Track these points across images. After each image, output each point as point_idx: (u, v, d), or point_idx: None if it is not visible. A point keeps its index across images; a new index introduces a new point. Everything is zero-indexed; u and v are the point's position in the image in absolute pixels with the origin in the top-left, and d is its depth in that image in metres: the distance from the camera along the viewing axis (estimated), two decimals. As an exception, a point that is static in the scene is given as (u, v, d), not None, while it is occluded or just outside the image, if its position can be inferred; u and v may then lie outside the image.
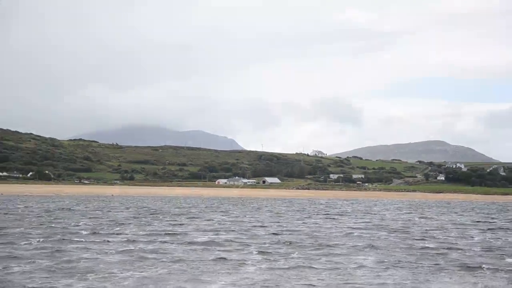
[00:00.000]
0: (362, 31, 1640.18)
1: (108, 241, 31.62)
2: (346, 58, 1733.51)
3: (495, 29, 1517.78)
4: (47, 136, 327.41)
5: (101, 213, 58.72)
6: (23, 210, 61.59)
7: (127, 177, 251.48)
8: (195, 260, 25.26)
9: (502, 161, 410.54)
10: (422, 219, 59.84)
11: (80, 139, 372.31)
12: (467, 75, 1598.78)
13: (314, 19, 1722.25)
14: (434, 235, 40.15)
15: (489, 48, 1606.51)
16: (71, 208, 66.80)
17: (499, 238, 38.71)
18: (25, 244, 29.66)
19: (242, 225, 45.55)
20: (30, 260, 24.22)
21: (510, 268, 24.67)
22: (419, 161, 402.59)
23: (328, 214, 66.69)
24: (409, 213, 75.07)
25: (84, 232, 36.27)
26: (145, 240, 32.66)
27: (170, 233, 36.75)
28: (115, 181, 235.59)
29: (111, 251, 27.47)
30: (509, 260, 27.54)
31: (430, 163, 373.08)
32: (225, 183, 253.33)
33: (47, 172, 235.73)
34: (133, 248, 28.68)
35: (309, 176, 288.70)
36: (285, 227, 44.25)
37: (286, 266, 24.04)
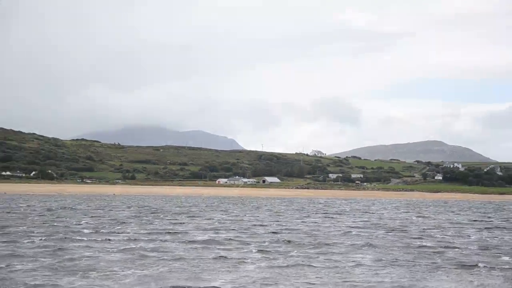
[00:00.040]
0: (362, 32, 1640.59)
1: (109, 239, 31.63)
2: (346, 59, 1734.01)
3: (493, 30, 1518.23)
4: (50, 136, 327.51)
5: (102, 212, 58.73)
6: (26, 209, 61.61)
7: (129, 177, 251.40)
8: (195, 258, 25.26)
9: (499, 161, 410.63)
10: (420, 218, 59.85)
11: (83, 139, 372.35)
12: (465, 76, 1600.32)
13: (314, 20, 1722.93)
14: (432, 234, 40.16)
15: (487, 49, 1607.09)
16: (73, 207, 66.83)
17: (495, 237, 38.73)
18: (27, 242, 29.68)
19: (242, 224, 45.57)
20: (32, 258, 24.23)
21: (506, 267, 24.69)
22: (417, 161, 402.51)
23: (327, 213, 66.70)
24: (406, 212, 75.08)
25: (86, 231, 36.30)
26: (146, 238, 32.67)
27: (171, 232, 36.75)
28: (117, 181, 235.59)
29: (112, 249, 27.48)
30: (505, 258, 27.56)
31: (428, 163, 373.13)
32: (226, 182, 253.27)
33: (49, 171, 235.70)
34: (134, 246, 28.70)
35: (308, 176, 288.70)
36: (285, 226, 44.26)
37: (285, 264, 24.05)
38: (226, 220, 49.79)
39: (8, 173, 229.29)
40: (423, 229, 44.55)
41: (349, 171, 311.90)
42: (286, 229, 41.35)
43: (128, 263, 23.53)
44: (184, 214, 57.90)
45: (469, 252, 29.47)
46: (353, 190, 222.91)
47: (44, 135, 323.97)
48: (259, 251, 28.07)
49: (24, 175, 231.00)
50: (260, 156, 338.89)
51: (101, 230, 37.04)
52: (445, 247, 31.41)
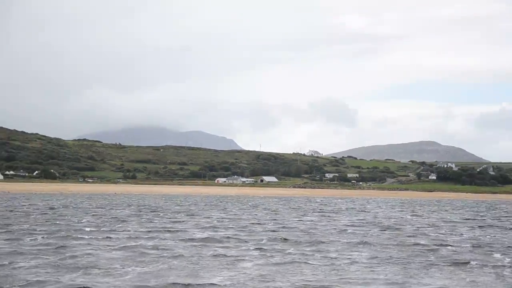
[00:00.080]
0: (358, 35, 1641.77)
1: (110, 237, 31.58)
2: (342, 61, 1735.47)
3: (485, 34, 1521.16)
4: (52, 136, 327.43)
5: (104, 210, 58.66)
6: (29, 207, 61.51)
7: (130, 176, 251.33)
8: (194, 256, 25.23)
9: (492, 161, 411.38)
10: (414, 217, 59.88)
11: (84, 139, 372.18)
12: (458, 78, 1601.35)
13: (311, 23, 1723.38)
14: (426, 232, 40.16)
15: (480, 53, 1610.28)
16: (75, 206, 66.74)
17: (488, 235, 38.77)
18: (30, 240, 29.62)
19: (240, 222, 45.52)
20: (35, 256, 24.19)
21: (498, 264, 24.72)
22: (412, 161, 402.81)
23: (323, 212, 66.69)
24: (401, 211, 75.12)
25: (87, 229, 36.22)
26: (146, 236, 32.64)
27: (170, 230, 36.72)
28: (118, 180, 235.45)
29: (113, 247, 27.44)
30: (497, 255, 27.59)
31: (422, 163, 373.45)
32: (224, 182, 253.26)
33: (52, 171, 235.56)
34: (134, 244, 28.65)
35: (305, 175, 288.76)
36: (282, 224, 44.22)
37: (282, 262, 24.03)
38: (224, 218, 49.74)
39: (11, 172, 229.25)
40: (417, 227, 44.56)
41: (345, 170, 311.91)
42: (283, 227, 41.33)
43: (128, 261, 23.50)
44: (184, 212, 57.84)
45: (462, 250, 29.48)
46: (349, 189, 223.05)
47: (47, 135, 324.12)
48: (257, 249, 28.04)
49: (27, 174, 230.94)
50: (258, 156, 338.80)
51: (102, 228, 36.99)
52: (438, 245, 31.41)
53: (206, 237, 32.60)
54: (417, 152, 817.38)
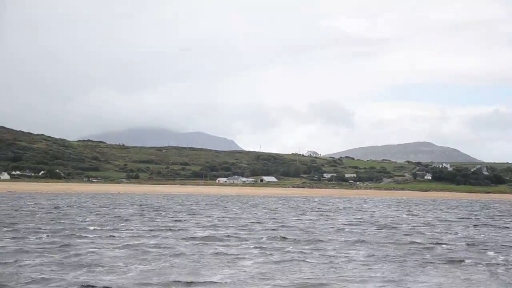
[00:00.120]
0: (355, 38, 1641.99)
1: (113, 236, 31.53)
2: (340, 64, 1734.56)
3: (479, 38, 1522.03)
4: (57, 137, 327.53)
5: (107, 209, 58.59)
6: (34, 206, 61.45)
7: (133, 176, 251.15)
8: (195, 254, 25.19)
9: (486, 162, 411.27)
10: (410, 216, 59.82)
11: (89, 140, 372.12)
12: (453, 80, 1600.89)
13: (310, 27, 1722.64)
14: (421, 230, 40.12)
15: (474, 56, 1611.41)
16: (79, 205, 66.68)
17: (482, 234, 38.73)
18: (35, 238, 29.58)
19: (240, 221, 45.47)
20: (40, 254, 24.15)
21: (492, 262, 24.70)
22: (408, 161, 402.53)
23: (321, 211, 66.63)
24: (397, 210, 75.05)
25: (91, 228, 36.18)
26: (149, 235, 32.59)
27: (172, 229, 36.66)
28: (122, 180, 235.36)
29: (116, 245, 27.39)
30: (491, 254, 27.56)
31: (418, 163, 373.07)
32: (225, 181, 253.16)
33: (57, 171, 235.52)
34: (137, 242, 28.60)
35: (304, 175, 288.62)
36: (281, 223, 44.16)
37: (282, 260, 23.99)
38: (225, 217, 49.68)
39: (18, 172, 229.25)
40: (413, 226, 44.51)
41: (343, 170, 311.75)
42: (282, 226, 41.27)
43: (131, 259, 23.46)
44: (185, 212, 57.77)
45: (457, 248, 29.45)
46: (346, 189, 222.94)
47: (52, 136, 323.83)
48: (257, 247, 28.00)
49: (33, 174, 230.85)
50: (258, 157, 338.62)
51: (106, 227, 36.93)
52: (434, 243, 31.37)
53: (207, 236, 32.55)
54: (413, 153, 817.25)
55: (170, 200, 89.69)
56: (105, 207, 62.83)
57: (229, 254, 25.24)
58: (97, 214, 50.64)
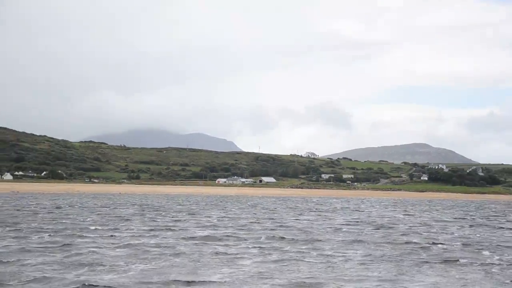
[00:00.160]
0: (352, 41, 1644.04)
1: (114, 235, 31.49)
2: (337, 67, 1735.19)
3: (474, 42, 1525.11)
4: (59, 138, 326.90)
5: (108, 209, 58.54)
6: (36, 206, 61.39)
7: (134, 177, 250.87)
8: (195, 253, 25.16)
9: (481, 163, 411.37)
10: (406, 216, 59.81)
11: (90, 141, 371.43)
12: (449, 83, 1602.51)
13: (307, 30, 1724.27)
14: (417, 230, 40.11)
15: (469, 59, 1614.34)
16: (81, 205, 66.62)
17: (477, 234, 38.73)
18: (37, 238, 29.55)
19: (239, 221, 45.43)
20: (42, 253, 24.12)
21: (487, 262, 24.69)
22: (404, 162, 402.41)
23: (319, 211, 66.61)
24: (394, 210, 75.05)
25: (92, 227, 36.13)
26: (149, 235, 32.56)
27: (172, 229, 36.63)
28: (123, 180, 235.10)
29: (117, 244, 27.36)
30: (486, 253, 27.57)
31: (415, 164, 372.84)
32: (225, 182, 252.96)
33: (59, 171, 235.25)
34: (137, 242, 28.57)
35: (302, 176, 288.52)
36: (279, 223, 44.14)
37: (280, 259, 23.97)
38: (224, 217, 49.65)
39: (20, 173, 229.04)
40: (410, 226, 44.50)
41: (340, 171, 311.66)
42: (281, 226, 41.24)
43: (131, 258, 23.43)
44: (185, 212, 57.74)
45: (453, 248, 29.44)
46: (344, 189, 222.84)
47: (54, 137, 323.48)
48: (255, 247, 27.97)
49: (35, 174, 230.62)
50: (257, 158, 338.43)
51: (107, 227, 36.90)
52: (430, 243, 31.36)
53: (206, 236, 32.53)
54: (410, 154, 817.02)
55: (170, 200, 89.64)
56: (106, 207, 62.77)
57: (229, 254, 25.21)
58: (98, 214, 50.60)
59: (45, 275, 19.33)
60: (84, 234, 31.77)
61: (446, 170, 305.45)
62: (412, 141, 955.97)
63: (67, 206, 64.10)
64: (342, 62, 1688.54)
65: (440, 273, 21.81)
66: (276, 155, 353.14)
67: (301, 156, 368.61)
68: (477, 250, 28.72)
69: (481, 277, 21.05)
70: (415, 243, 31.27)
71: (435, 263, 24.11)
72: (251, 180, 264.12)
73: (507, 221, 56.58)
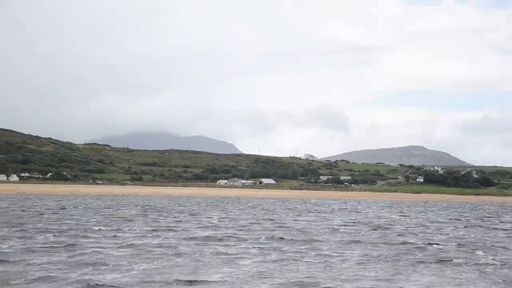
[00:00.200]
0: (349, 46, 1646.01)
1: (117, 236, 31.47)
2: (335, 71, 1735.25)
3: (469, 46, 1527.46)
4: (64, 140, 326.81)
5: (111, 210, 58.53)
6: (41, 207, 61.37)
7: (137, 178, 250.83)
8: (196, 253, 25.13)
9: (475, 165, 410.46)
10: (403, 217, 59.80)
11: (94, 144, 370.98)
12: (444, 87, 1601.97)
13: (306, 34, 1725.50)
14: (413, 231, 40.09)
15: (464, 63, 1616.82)
16: (85, 206, 66.59)
17: (471, 234, 38.70)
18: (42, 238, 29.53)
19: (240, 222, 45.40)
20: (46, 253, 24.10)
21: (481, 262, 24.67)
22: (401, 164, 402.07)
23: (317, 212, 66.59)
24: (390, 211, 75.03)
25: (96, 228, 36.11)
26: (151, 235, 32.54)
27: (174, 229, 36.60)
28: (126, 182, 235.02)
29: (120, 245, 27.34)
30: (480, 253, 27.55)
31: (410, 166, 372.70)
32: (225, 183, 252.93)
33: (64, 173, 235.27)
34: (140, 242, 28.55)
35: (301, 178, 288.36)
36: (279, 224, 44.11)
37: (279, 259, 23.94)
38: (225, 218, 49.62)
39: (26, 174, 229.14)
40: (406, 227, 44.48)
41: (338, 173, 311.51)
42: (280, 226, 41.22)
43: (134, 258, 23.40)
44: (187, 212, 57.72)
45: (448, 248, 29.41)
46: (342, 191, 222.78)
47: (59, 139, 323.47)
48: (255, 247, 27.94)
49: (41, 176, 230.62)
50: (257, 160, 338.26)
51: (110, 227, 36.87)
52: (425, 243, 31.34)
53: (207, 236, 32.51)
54: (406, 156, 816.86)
55: (172, 202, 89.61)
56: (110, 208, 62.75)
57: (229, 254, 25.19)
58: (102, 214, 50.58)
59: (50, 274, 19.31)
60: (88, 235, 31.75)
61: (441, 172, 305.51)
62: (408, 144, 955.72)
63: (71, 207, 64.07)
64: (340, 66, 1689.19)
65: (435, 272, 21.80)
66: (275, 157, 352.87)
67: (300, 158, 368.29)
68: (471, 250, 28.70)
69: (475, 277, 21.04)
70: (411, 243, 31.25)
71: (431, 263, 24.09)
72: (251, 181, 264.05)
73: (501, 222, 56.57)
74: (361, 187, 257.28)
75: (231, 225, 41.17)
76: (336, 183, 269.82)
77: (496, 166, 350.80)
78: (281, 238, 32.14)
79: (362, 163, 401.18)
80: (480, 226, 48.50)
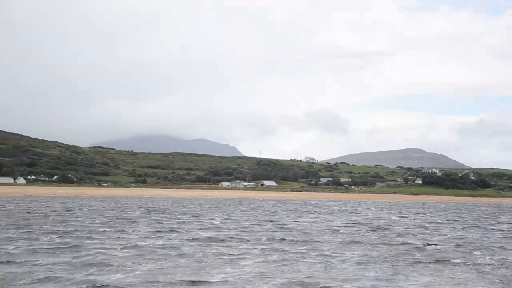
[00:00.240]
0: (349, 51, 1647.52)
1: (122, 237, 31.43)
2: (335, 75, 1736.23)
3: (466, 51, 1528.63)
4: (70, 143, 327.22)
5: (116, 212, 58.47)
6: (47, 209, 61.34)
7: (141, 181, 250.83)
8: (199, 254, 25.07)
9: (472, 167, 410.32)
10: (401, 218, 59.68)
11: (99, 147, 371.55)
12: (441, 91, 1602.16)
13: (306, 39, 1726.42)
14: (412, 232, 40.00)
15: (461, 68, 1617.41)
16: (90, 208, 66.56)
17: (469, 235, 38.61)
18: (48, 239, 29.49)
19: (241, 223, 45.33)
20: (52, 254, 24.06)
21: (479, 262, 24.59)
22: (399, 167, 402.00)
23: (318, 213, 66.49)
24: (389, 212, 74.89)
25: (100, 229, 36.06)
26: (155, 236, 32.48)
27: (177, 230, 36.54)
28: (130, 184, 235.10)
29: (124, 245, 27.28)
30: (477, 253, 27.46)
31: (409, 168, 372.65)
32: (228, 185, 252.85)
33: (70, 175, 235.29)
34: (144, 243, 28.49)
35: (302, 180, 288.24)
36: (280, 225, 44.02)
37: (281, 260, 23.88)
38: (227, 219, 49.55)
39: (33, 177, 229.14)
40: (405, 228, 44.38)
41: (338, 175, 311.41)
42: (281, 228, 41.13)
43: (138, 258, 23.35)
44: (189, 214, 57.64)
45: (446, 249, 29.33)
46: (342, 192, 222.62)
47: (65, 143, 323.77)
48: (257, 247, 27.88)
49: (47, 179, 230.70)
50: (259, 162, 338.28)
51: (114, 229, 36.81)
52: (424, 244, 31.26)
53: (210, 237, 32.44)
54: (404, 159, 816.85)
55: (175, 203, 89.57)
56: (114, 210, 62.70)
57: (231, 254, 25.13)
58: (106, 216, 50.52)
59: (55, 275, 19.27)
60: (93, 236, 31.70)
61: (439, 174, 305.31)
62: (407, 147, 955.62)
63: (76, 209, 64.04)
64: (340, 70, 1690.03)
65: (433, 272, 21.72)
66: (276, 160, 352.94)
67: (301, 161, 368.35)
68: (469, 251, 28.61)
69: (473, 277, 20.96)
70: (410, 244, 31.16)
71: (429, 263, 24.01)
72: (253, 183, 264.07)
73: (498, 222, 56.44)
74: (361, 189, 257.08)
75: (233, 226, 41.09)
76: (336, 185, 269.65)
77: (493, 168, 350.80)
78: (282, 239, 32.07)
79: (361, 166, 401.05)
80: (478, 226, 48.39)
